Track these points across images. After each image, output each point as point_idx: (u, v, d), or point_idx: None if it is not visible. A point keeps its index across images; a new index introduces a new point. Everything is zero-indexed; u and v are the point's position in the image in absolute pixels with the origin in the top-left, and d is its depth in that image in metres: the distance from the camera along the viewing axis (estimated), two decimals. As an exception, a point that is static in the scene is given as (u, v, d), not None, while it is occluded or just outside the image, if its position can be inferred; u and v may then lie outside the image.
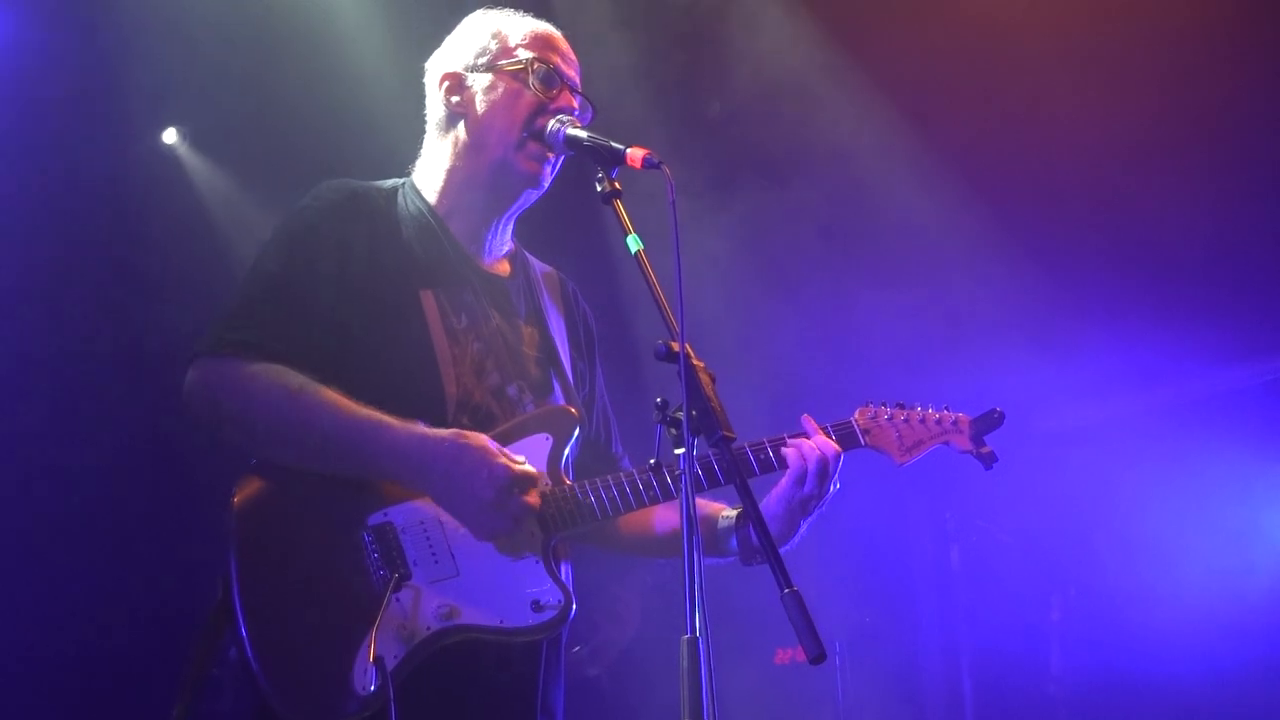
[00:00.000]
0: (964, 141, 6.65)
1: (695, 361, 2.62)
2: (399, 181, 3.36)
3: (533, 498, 3.00)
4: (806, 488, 3.15)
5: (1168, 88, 6.19)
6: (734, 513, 3.31)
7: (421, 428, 2.99)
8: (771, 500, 3.19)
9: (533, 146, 3.21)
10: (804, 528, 3.23)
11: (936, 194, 6.67)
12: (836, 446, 3.20)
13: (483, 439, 3.00)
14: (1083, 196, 6.64)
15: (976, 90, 6.51)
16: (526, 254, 3.50)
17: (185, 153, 6.88)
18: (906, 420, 3.34)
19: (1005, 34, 6.32)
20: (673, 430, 2.58)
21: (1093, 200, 6.62)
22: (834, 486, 3.19)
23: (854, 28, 6.62)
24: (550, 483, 3.08)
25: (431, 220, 3.27)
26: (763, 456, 3.18)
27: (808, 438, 3.21)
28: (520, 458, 3.03)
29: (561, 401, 3.27)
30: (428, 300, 3.16)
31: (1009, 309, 6.62)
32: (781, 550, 3.00)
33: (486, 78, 3.27)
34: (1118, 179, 6.47)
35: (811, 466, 3.14)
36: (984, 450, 3.35)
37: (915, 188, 6.71)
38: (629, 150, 2.89)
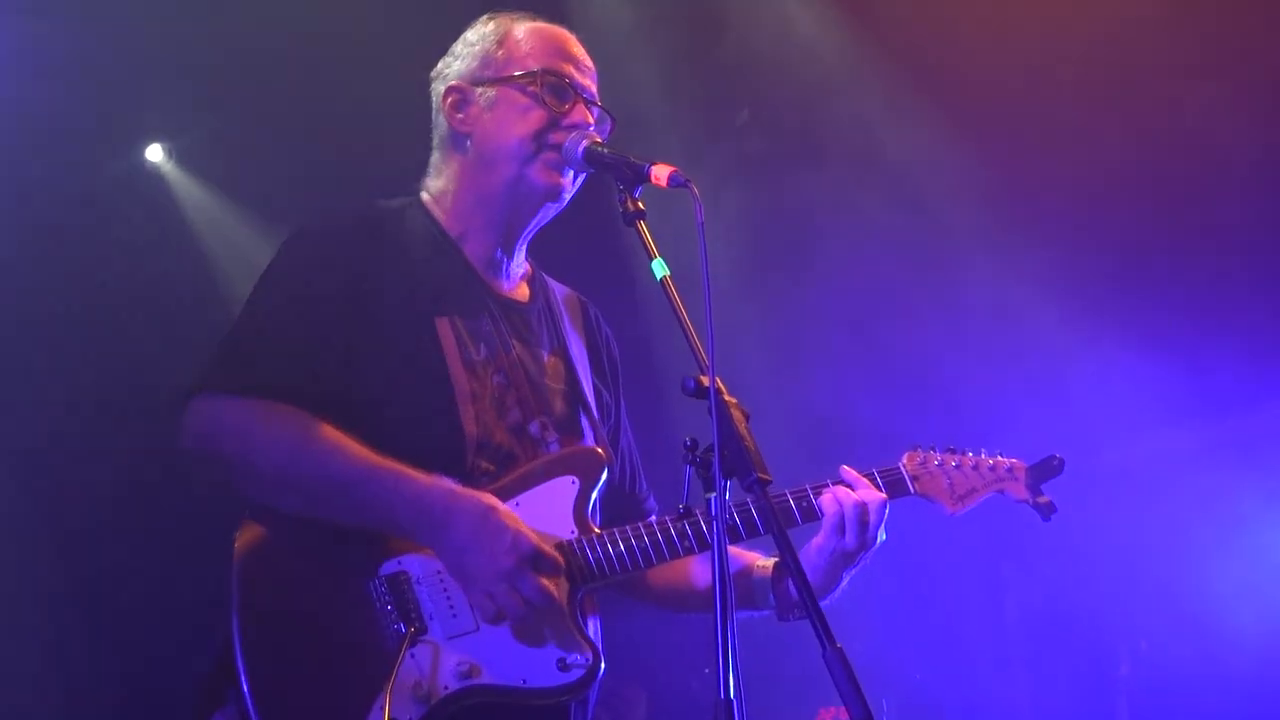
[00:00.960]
0: (1016, 164, 6.60)
1: (727, 397, 2.55)
2: (406, 200, 3.30)
3: (550, 585, 2.92)
4: (847, 538, 3.09)
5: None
6: (770, 563, 3.24)
7: (447, 482, 2.94)
8: (811, 551, 3.13)
9: (549, 155, 3.15)
10: (846, 580, 3.18)
11: (993, 222, 6.62)
12: (881, 494, 3.15)
13: (509, 509, 2.95)
14: (1145, 225, 6.57)
15: (1024, 101, 6.46)
16: (544, 275, 3.45)
17: (170, 170, 6.98)
18: (958, 466, 3.29)
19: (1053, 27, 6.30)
20: (703, 472, 2.52)
21: (1157, 229, 6.57)
22: (880, 536, 3.13)
23: (891, 28, 6.59)
24: (577, 531, 3.03)
25: (444, 243, 3.22)
26: (804, 504, 3.12)
27: (850, 488, 3.15)
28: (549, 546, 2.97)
29: (589, 439, 3.23)
30: (444, 329, 3.10)
31: (1070, 338, 6.54)
32: (822, 604, 2.98)
33: (493, 92, 3.21)
34: (1185, 194, 6.42)
35: (850, 514, 3.08)
36: (1041, 500, 3.29)
37: (967, 212, 6.66)
38: (653, 168, 2.82)
